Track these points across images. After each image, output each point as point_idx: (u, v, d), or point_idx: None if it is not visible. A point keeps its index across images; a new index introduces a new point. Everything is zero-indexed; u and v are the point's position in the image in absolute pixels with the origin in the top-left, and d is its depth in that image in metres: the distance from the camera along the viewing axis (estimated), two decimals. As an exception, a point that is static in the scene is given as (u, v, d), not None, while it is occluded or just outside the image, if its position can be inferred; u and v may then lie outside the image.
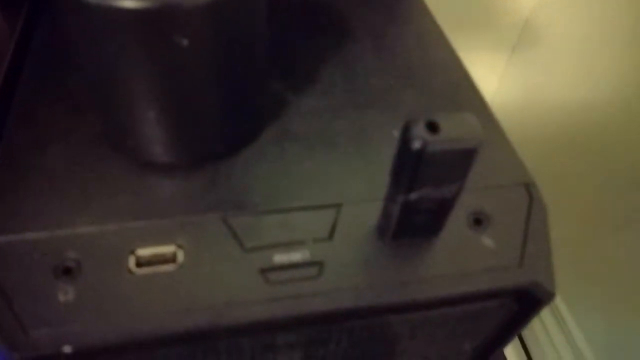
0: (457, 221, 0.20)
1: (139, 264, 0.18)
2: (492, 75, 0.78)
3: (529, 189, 0.21)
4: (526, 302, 0.20)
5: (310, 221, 0.20)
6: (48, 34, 0.27)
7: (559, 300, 0.64)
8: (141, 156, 0.20)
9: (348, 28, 0.29)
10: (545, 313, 0.67)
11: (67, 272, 0.18)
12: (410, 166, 0.16)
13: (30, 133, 0.22)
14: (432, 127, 0.15)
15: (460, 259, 0.19)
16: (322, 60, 0.26)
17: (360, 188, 0.21)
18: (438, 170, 0.16)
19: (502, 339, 0.23)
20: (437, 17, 0.32)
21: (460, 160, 0.16)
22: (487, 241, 0.20)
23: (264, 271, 0.18)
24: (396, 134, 0.23)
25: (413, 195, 0.17)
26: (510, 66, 0.74)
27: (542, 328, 0.67)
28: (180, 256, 0.18)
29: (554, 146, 0.64)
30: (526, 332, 0.70)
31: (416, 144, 0.15)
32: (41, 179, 0.20)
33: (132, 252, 0.18)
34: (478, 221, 0.20)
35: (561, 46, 0.62)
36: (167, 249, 0.18)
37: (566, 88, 0.62)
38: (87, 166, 0.21)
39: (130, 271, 0.18)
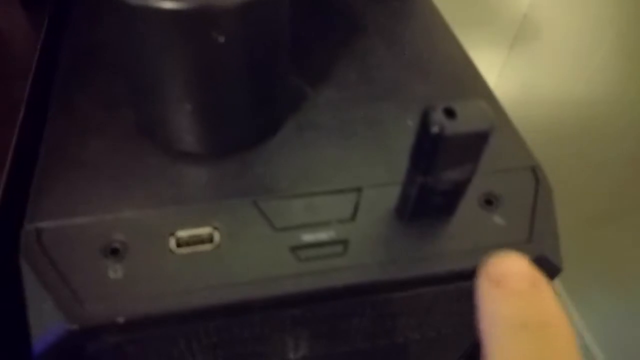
0: (470, 202, 0.21)
1: (179, 244, 0.20)
2: (491, 71, 0.79)
3: (535, 171, 0.23)
4: (534, 276, 0.22)
5: (333, 204, 0.21)
6: (78, 32, 0.28)
7: (560, 289, 0.66)
8: (176, 146, 0.22)
9: (360, 24, 0.30)
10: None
11: (114, 252, 0.19)
12: (428, 149, 0.17)
13: (70, 127, 0.23)
14: (449, 113, 0.17)
15: (474, 236, 0.21)
16: (337, 55, 0.28)
17: (378, 173, 0.22)
18: (454, 153, 0.17)
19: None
20: None
21: (475, 143, 0.17)
22: (498, 220, 0.21)
23: (294, 249, 0.20)
24: (410, 123, 0.25)
25: (431, 177, 0.18)
26: (509, 62, 0.76)
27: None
28: (217, 237, 0.20)
29: (551, 140, 0.66)
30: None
31: (435, 129, 0.17)
32: (85, 169, 0.22)
33: (173, 233, 0.20)
34: (489, 202, 0.22)
35: (559, 42, 0.64)
36: (204, 231, 0.20)
37: (564, 83, 0.63)
38: (125, 156, 0.22)
39: (171, 251, 0.19)
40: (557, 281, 0.65)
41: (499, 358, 0.13)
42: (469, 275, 0.21)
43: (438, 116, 0.17)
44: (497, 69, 0.79)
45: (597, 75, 0.57)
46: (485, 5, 0.70)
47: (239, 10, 0.17)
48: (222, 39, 0.18)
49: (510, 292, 0.14)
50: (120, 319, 0.18)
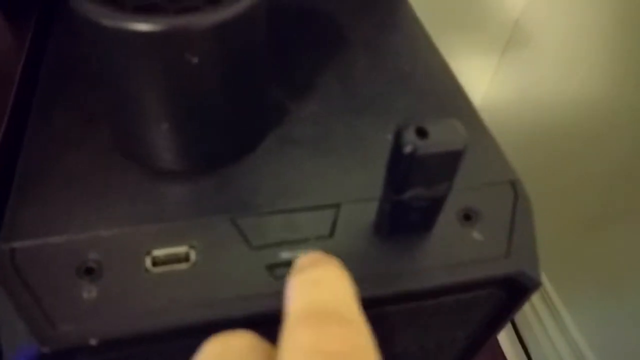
0: (448, 217, 0.21)
1: (155, 263, 0.20)
2: (484, 76, 0.79)
3: (514, 185, 0.23)
4: (513, 290, 0.22)
5: (312, 220, 0.21)
6: (60, 45, 0.28)
7: (551, 290, 0.66)
8: (152, 163, 0.22)
9: (342, 37, 0.30)
10: (538, 302, 0.68)
11: (89, 272, 0.19)
12: (402, 169, 0.17)
13: (47, 142, 0.23)
14: (421, 133, 0.17)
15: (452, 252, 0.21)
16: (318, 68, 0.28)
17: (357, 188, 0.22)
18: (428, 172, 0.17)
19: (493, 327, 0.25)
20: (429, 19, 0.34)
21: (448, 162, 0.17)
22: (476, 235, 0.21)
23: (271, 267, 0.20)
24: (390, 137, 0.24)
25: (406, 195, 0.18)
26: (501, 66, 0.76)
27: (535, 317, 0.69)
28: (193, 255, 0.20)
29: (544, 143, 0.66)
30: (520, 321, 0.72)
31: (407, 149, 0.17)
32: (60, 186, 0.21)
33: (149, 252, 0.20)
34: (467, 217, 0.22)
35: (551, 47, 0.64)
36: (180, 249, 0.20)
37: (556, 87, 0.64)
38: (102, 173, 0.22)
39: (147, 270, 0.19)
40: (549, 285, 0.66)
41: (289, 299, 0.16)
42: (447, 291, 0.21)
43: (410, 136, 0.17)
44: (489, 73, 0.79)
45: (589, 79, 0.58)
46: (478, 11, 0.70)
47: (212, 31, 0.17)
48: (195, 60, 0.18)
49: (303, 269, 0.16)
50: (93, 341, 0.18)
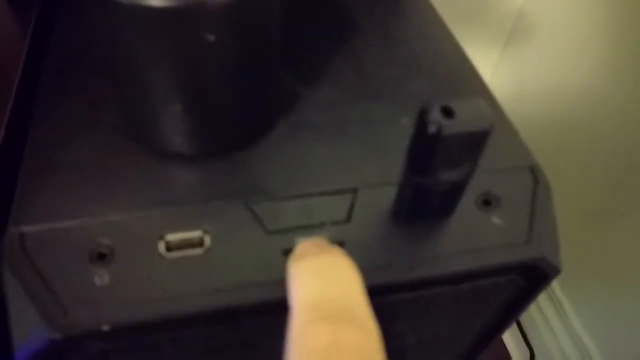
0: (467, 203, 0.21)
1: (169, 248, 0.19)
2: (485, 69, 0.79)
3: (534, 171, 0.22)
4: (533, 277, 0.21)
5: (328, 205, 0.21)
6: (64, 30, 0.28)
7: (556, 287, 0.66)
8: (164, 147, 0.21)
9: (353, 20, 0.30)
10: (543, 300, 0.68)
11: (101, 257, 0.18)
12: (426, 149, 0.17)
13: (55, 128, 0.22)
14: (447, 112, 0.16)
15: (472, 237, 0.20)
16: (331, 53, 0.27)
17: (373, 173, 0.22)
18: (452, 153, 0.17)
19: (509, 316, 0.25)
20: None
21: (474, 143, 0.17)
22: (496, 220, 0.21)
23: (286, 252, 0.19)
24: (405, 121, 0.24)
25: (428, 178, 0.18)
26: (503, 60, 0.76)
27: (538, 311, 0.69)
28: (207, 240, 0.19)
29: (546, 137, 0.66)
30: (525, 319, 0.71)
31: (432, 128, 0.16)
32: (70, 171, 0.21)
33: (162, 237, 0.19)
34: (487, 202, 0.21)
35: (553, 38, 0.64)
36: (194, 234, 0.19)
37: (558, 80, 0.63)
38: (112, 158, 0.21)
39: (160, 255, 0.19)
40: (554, 281, 0.65)
41: (294, 290, 0.16)
42: (467, 278, 0.21)
43: (435, 115, 0.16)
44: (491, 65, 0.78)
45: (590, 72, 0.57)
46: (479, 4, 0.70)
47: (230, 8, 0.17)
48: (212, 38, 0.17)
49: (307, 255, 0.17)
50: (105, 327, 0.17)
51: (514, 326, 0.72)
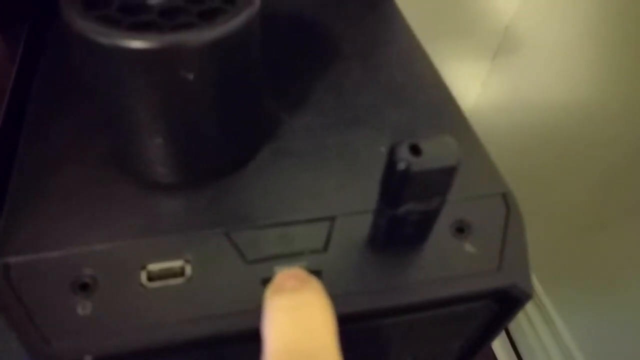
0: (441, 230, 0.22)
1: (150, 278, 0.20)
2: (475, 81, 0.80)
3: (506, 198, 0.23)
4: (506, 302, 0.22)
5: (306, 234, 0.21)
6: (53, 55, 0.28)
7: (543, 295, 0.67)
8: (147, 176, 0.22)
9: (335, 48, 0.31)
10: (530, 308, 0.69)
11: (84, 287, 0.19)
12: (396, 184, 0.18)
13: (41, 156, 0.23)
14: (415, 150, 0.17)
15: (446, 264, 0.21)
16: (312, 79, 0.28)
17: (351, 201, 0.22)
18: (422, 187, 0.18)
19: (485, 338, 0.25)
20: (420, 25, 0.34)
21: (442, 178, 0.18)
22: (469, 248, 0.22)
23: (265, 281, 0.20)
24: (383, 150, 0.25)
25: (400, 210, 0.19)
26: (493, 72, 0.77)
27: (527, 322, 0.70)
28: (188, 270, 0.20)
29: (535, 148, 0.67)
30: (514, 330, 0.72)
31: (401, 165, 0.17)
32: (54, 200, 0.21)
33: (144, 267, 0.20)
34: (460, 229, 0.22)
35: (541, 52, 0.65)
36: (175, 264, 0.20)
37: (547, 92, 0.64)
38: (96, 186, 0.22)
39: (142, 285, 0.19)
40: (541, 291, 0.66)
41: (268, 331, 0.16)
42: (441, 304, 0.21)
43: (404, 153, 0.17)
44: (480, 78, 0.80)
45: (579, 84, 0.58)
46: (469, 16, 0.71)
47: (207, 48, 0.17)
48: (190, 76, 0.18)
49: (284, 289, 0.17)
50: (88, 358, 0.18)
51: (503, 336, 0.73)
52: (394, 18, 0.34)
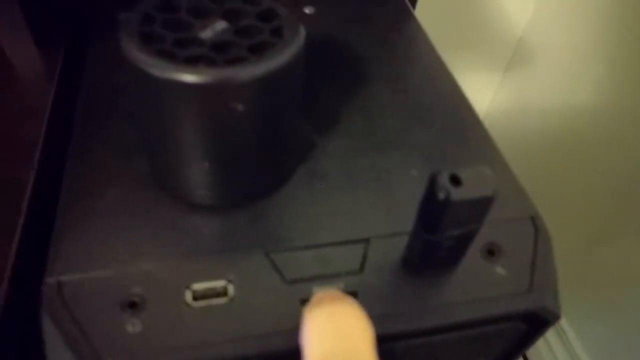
0: (473, 253, 0.22)
1: (195, 297, 0.20)
2: (487, 92, 0.81)
3: (535, 221, 0.24)
4: (534, 323, 0.23)
5: (342, 255, 0.22)
6: (94, 74, 0.29)
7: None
8: (189, 198, 0.23)
9: (362, 69, 0.31)
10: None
11: (133, 306, 0.20)
12: (435, 212, 0.18)
13: (87, 176, 0.24)
14: (455, 180, 0.18)
15: (477, 286, 0.22)
16: (343, 102, 0.29)
17: (385, 223, 0.23)
18: (460, 216, 0.18)
19: (510, 357, 0.26)
20: (435, 36, 0.35)
21: (479, 207, 0.18)
22: (500, 270, 0.22)
23: (304, 301, 0.21)
24: (414, 173, 0.25)
25: (437, 236, 0.19)
26: (504, 83, 0.78)
27: (544, 342, 0.70)
28: (231, 290, 0.21)
29: (547, 158, 0.67)
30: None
31: (441, 195, 0.17)
32: (102, 220, 0.22)
33: (189, 286, 0.21)
34: (491, 252, 0.23)
35: (553, 63, 0.65)
36: (218, 284, 0.21)
37: (558, 103, 0.65)
38: (140, 208, 0.23)
39: (187, 304, 0.20)
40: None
41: (307, 340, 0.17)
42: (472, 325, 0.22)
43: (444, 183, 0.18)
44: (492, 89, 0.80)
45: (591, 95, 0.59)
46: (482, 28, 0.72)
47: (258, 82, 0.18)
48: (240, 107, 0.19)
49: (322, 302, 0.18)
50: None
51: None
52: (418, 37, 0.35)
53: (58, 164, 0.25)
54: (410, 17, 0.36)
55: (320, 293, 0.19)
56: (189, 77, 0.18)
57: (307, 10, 0.35)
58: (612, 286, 0.59)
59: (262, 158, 0.22)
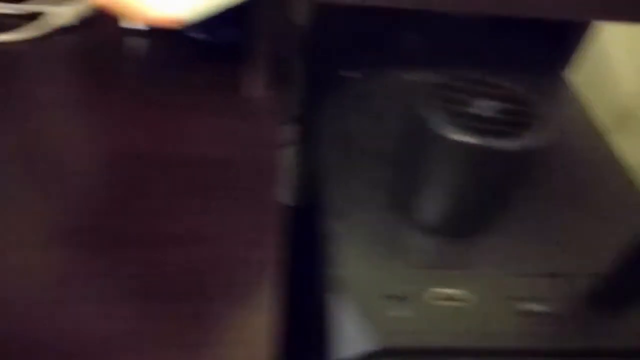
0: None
1: (441, 298, 0.28)
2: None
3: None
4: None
5: (551, 285, 0.29)
6: (336, 117, 0.37)
7: None
8: (429, 225, 0.31)
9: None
10: None
11: (401, 299, 0.28)
12: None
13: (342, 201, 0.32)
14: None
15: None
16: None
17: (584, 263, 0.30)
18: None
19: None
20: None
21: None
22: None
23: (520, 313, 0.28)
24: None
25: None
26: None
27: None
28: (467, 297, 0.28)
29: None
30: None
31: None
32: (366, 245, 0.30)
33: (435, 290, 0.28)
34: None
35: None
36: (459, 292, 0.28)
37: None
38: (398, 233, 0.31)
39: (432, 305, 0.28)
40: None
41: None
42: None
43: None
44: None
45: None
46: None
47: (520, 153, 0.26)
48: (502, 168, 0.27)
49: None
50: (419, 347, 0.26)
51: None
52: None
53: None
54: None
55: None
56: (497, 144, 0.26)
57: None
58: None
59: (489, 205, 0.30)
